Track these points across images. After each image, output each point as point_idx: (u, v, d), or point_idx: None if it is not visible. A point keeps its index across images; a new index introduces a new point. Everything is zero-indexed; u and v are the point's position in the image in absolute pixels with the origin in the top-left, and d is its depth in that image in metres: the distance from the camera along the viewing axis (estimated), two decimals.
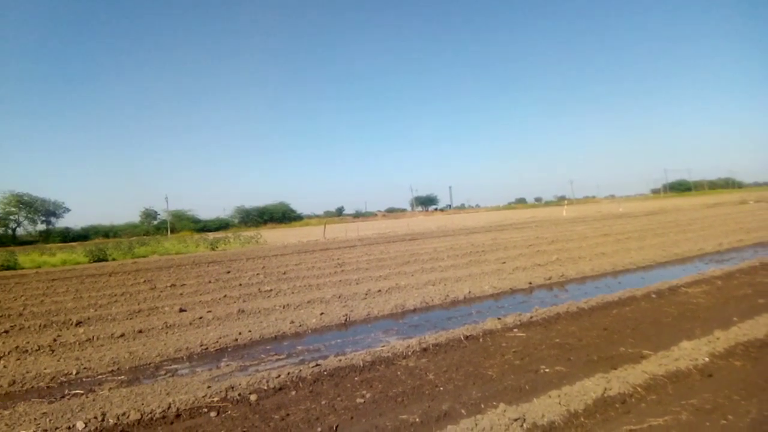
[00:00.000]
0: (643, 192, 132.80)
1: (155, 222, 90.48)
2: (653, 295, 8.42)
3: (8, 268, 22.99)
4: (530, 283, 10.40)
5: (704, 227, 21.70)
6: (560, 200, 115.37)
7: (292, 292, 11.08)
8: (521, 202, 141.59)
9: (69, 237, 77.34)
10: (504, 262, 13.64)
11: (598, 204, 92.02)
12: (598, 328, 6.68)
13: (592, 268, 11.84)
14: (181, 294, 11.88)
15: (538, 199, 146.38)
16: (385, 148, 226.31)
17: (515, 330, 6.73)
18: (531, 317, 7.22)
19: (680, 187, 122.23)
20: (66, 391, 5.56)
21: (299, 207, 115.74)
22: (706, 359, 4.99)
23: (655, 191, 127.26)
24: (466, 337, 6.39)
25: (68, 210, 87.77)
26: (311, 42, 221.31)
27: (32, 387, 5.80)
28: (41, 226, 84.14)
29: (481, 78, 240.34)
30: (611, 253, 14.38)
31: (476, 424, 3.73)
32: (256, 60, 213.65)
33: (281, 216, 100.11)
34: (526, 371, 5.17)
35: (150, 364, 6.51)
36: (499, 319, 7.16)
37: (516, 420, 3.74)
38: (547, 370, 5.18)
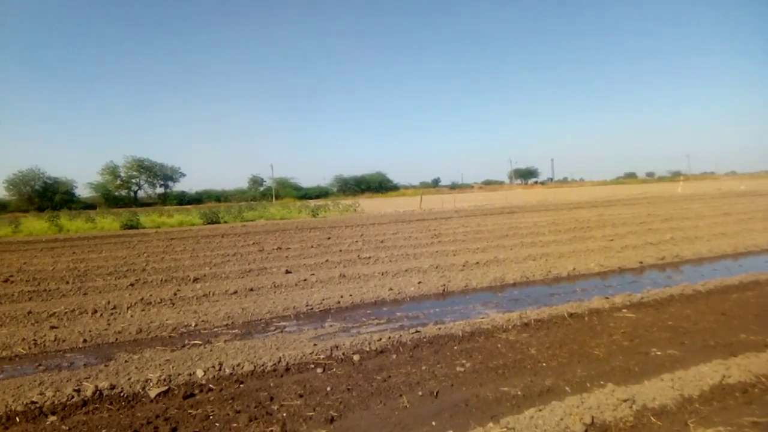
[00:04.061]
0: None
1: (261, 188, 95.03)
2: None
3: (131, 227, 25.20)
4: (641, 262, 9.85)
5: None
6: (675, 176, 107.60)
7: (390, 261, 11.25)
8: (631, 176, 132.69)
9: (184, 200, 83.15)
10: (612, 240, 13.00)
11: (717, 180, 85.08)
12: (715, 313, 6.24)
13: (709, 249, 11.01)
14: (286, 257, 12.46)
15: (650, 174, 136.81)
16: (483, 118, 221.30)
17: (624, 310, 6.43)
18: (642, 298, 6.86)
19: None
20: (186, 341, 6.05)
21: (395, 177, 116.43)
22: None
23: None
24: (570, 315, 6.20)
25: (184, 175, 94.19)
26: (409, 10, 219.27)
27: (156, 336, 6.36)
28: (160, 190, 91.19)
29: (587, 43, 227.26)
30: (732, 234, 13.29)
31: (582, 402, 3.63)
32: (356, 31, 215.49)
33: (378, 185, 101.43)
34: (636, 353, 4.94)
35: (261, 320, 6.93)
36: (606, 298, 6.88)
37: (625, 401, 3.60)
38: (658, 352, 4.92)
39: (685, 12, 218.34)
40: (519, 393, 4.06)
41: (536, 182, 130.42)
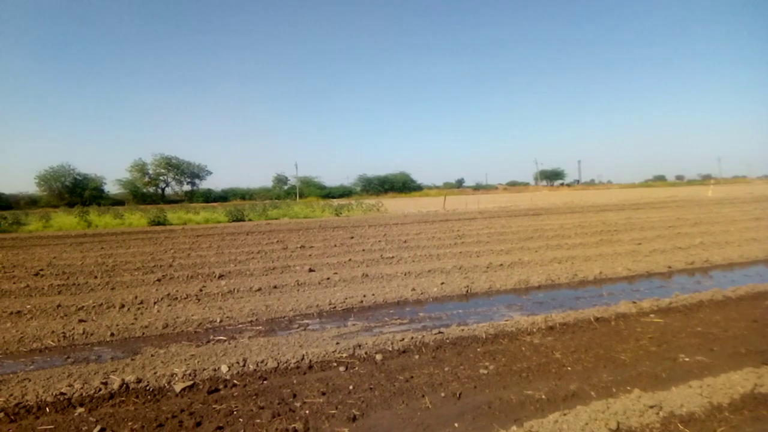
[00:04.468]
0: None
1: (285, 187, 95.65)
2: None
3: (159, 223, 25.65)
4: (669, 267, 9.66)
5: None
6: (705, 179, 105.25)
7: (413, 261, 11.23)
8: (660, 179, 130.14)
9: (211, 198, 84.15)
10: (639, 244, 12.78)
11: (749, 184, 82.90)
12: (746, 320, 6.08)
13: (740, 254, 10.75)
14: (309, 255, 12.53)
15: (679, 177, 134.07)
16: (509, 119, 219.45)
17: (651, 315, 6.31)
18: (670, 303, 6.72)
19: None
20: (211, 337, 6.13)
21: (419, 177, 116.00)
22: None
23: None
24: (597, 319, 6.11)
25: (210, 173, 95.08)
26: (435, 10, 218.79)
27: (182, 331, 6.46)
28: (187, 187, 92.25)
29: (616, 44, 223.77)
30: (764, 239, 12.95)
31: (608, 407, 3.57)
32: (382, 30, 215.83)
33: (401, 186, 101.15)
34: (663, 359, 4.84)
35: (284, 317, 6.99)
36: (633, 302, 6.74)
37: (652, 407, 3.53)
38: (686, 359, 4.82)
39: (716, 13, 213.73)
40: (543, 397, 4.01)
41: (562, 184, 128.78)
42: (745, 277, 8.92)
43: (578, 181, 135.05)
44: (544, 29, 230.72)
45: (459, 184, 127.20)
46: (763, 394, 3.82)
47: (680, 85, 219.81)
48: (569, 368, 4.66)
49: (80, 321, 6.87)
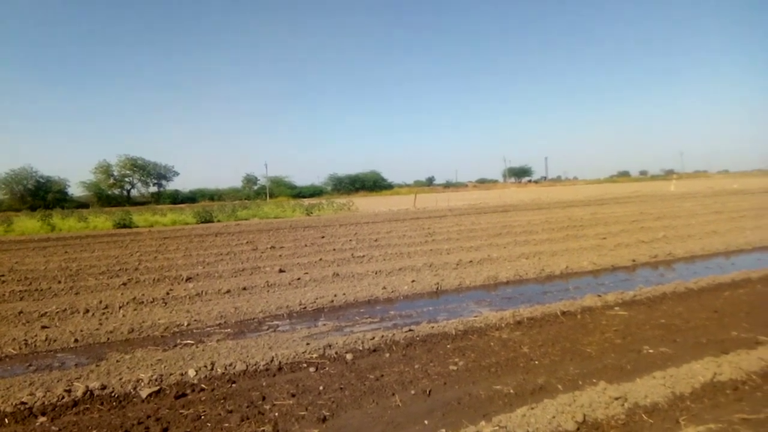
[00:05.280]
0: (761, 168, 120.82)
1: (255, 187, 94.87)
2: None
3: (124, 226, 25.05)
4: (633, 260, 9.89)
5: None
6: (668, 174, 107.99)
7: (384, 259, 11.25)
8: (624, 175, 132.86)
9: (178, 199, 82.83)
10: (605, 238, 13.05)
11: (709, 179, 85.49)
12: (707, 310, 6.26)
13: (702, 247, 11.06)
14: (280, 256, 12.43)
15: (643, 173, 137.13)
16: (477, 117, 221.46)
17: (616, 308, 6.45)
18: (634, 296, 6.88)
19: None
20: (178, 341, 6.02)
21: (390, 176, 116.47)
22: None
23: None
24: (563, 313, 6.21)
25: (177, 173, 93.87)
26: (402, 8, 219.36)
27: (148, 335, 6.32)
28: (153, 188, 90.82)
29: (580, 41, 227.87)
30: (724, 232, 13.36)
31: (574, 400, 3.63)
32: (349, 29, 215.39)
33: (372, 184, 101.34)
34: (628, 350, 4.95)
35: (254, 319, 6.90)
36: (599, 296, 6.89)
37: (617, 399, 3.61)
38: (650, 350, 4.94)
39: (678, 10, 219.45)
40: (511, 391, 4.06)
41: (530, 181, 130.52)
42: (707, 269, 9.18)
43: (545, 177, 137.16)
44: (510, 28, 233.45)
45: (429, 182, 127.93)
46: (722, 382, 3.94)
47: (643, 83, 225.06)
48: (537, 362, 4.73)
49: (43, 327, 6.67)
